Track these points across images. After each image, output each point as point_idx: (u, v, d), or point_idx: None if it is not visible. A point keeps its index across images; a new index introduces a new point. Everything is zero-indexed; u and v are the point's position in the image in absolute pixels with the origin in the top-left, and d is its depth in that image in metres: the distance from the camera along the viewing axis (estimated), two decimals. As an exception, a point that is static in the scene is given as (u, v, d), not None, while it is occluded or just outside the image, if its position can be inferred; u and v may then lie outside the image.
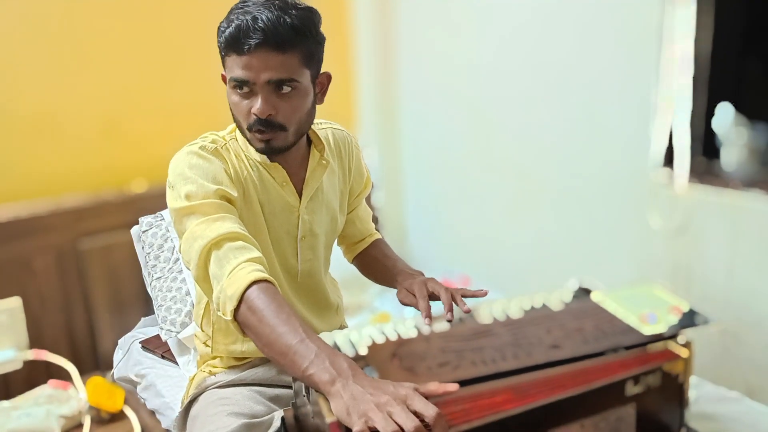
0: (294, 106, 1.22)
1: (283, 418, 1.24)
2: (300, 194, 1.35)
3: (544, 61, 2.08)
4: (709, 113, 1.71)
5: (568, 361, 1.01)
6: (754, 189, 1.59)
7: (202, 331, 1.46)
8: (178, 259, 2.02)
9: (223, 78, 1.32)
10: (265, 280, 1.07)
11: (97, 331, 2.12)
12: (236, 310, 1.06)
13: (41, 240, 2.01)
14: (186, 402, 1.41)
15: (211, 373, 1.43)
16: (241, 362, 1.43)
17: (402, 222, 2.77)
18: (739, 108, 1.69)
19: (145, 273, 2.05)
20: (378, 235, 1.62)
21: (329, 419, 0.90)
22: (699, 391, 1.53)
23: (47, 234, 2.01)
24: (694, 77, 1.69)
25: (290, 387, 1.41)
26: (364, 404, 0.86)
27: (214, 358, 1.46)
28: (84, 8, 2.09)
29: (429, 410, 0.84)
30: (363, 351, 1.07)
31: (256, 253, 1.13)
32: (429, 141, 2.60)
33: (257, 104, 1.19)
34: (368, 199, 1.94)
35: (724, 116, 1.70)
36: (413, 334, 1.13)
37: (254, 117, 1.21)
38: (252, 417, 1.29)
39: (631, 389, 1.00)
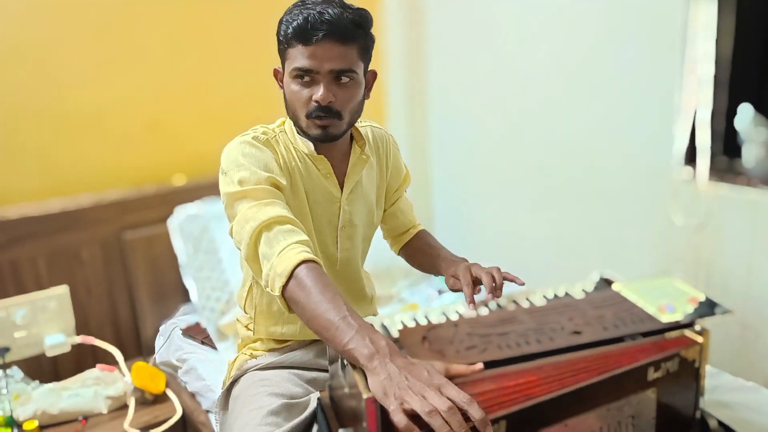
0: (350, 95, 1.32)
1: (319, 399, 1.33)
2: (341, 186, 1.43)
3: (569, 60, 2.11)
4: (730, 113, 1.74)
5: (588, 345, 1.07)
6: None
7: (245, 313, 1.54)
8: (217, 250, 2.11)
9: (276, 73, 1.41)
10: (313, 261, 1.14)
11: (140, 318, 2.21)
12: (285, 286, 1.12)
13: (88, 232, 2.10)
14: (228, 383, 1.49)
15: (252, 356, 1.52)
16: (280, 345, 1.51)
17: (429, 217, 2.82)
18: (760, 108, 1.71)
19: (182, 263, 2.15)
20: (421, 227, 1.70)
21: (366, 395, 0.97)
22: (717, 380, 1.57)
23: (93, 226, 2.10)
24: (715, 77, 1.72)
25: (326, 371, 1.49)
26: (399, 386, 0.92)
27: (255, 341, 1.54)
28: (129, 13, 2.18)
29: (461, 397, 0.89)
30: (395, 334, 1.14)
31: (304, 236, 1.20)
32: (456, 138, 2.65)
33: (319, 92, 1.27)
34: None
35: (746, 115, 1.72)
36: (442, 319, 1.20)
37: (315, 104, 1.29)
38: (290, 398, 1.37)
39: (652, 374, 1.04)
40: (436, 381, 0.92)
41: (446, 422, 0.86)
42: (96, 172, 2.18)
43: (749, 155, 1.71)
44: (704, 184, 1.78)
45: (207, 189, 2.28)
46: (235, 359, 1.57)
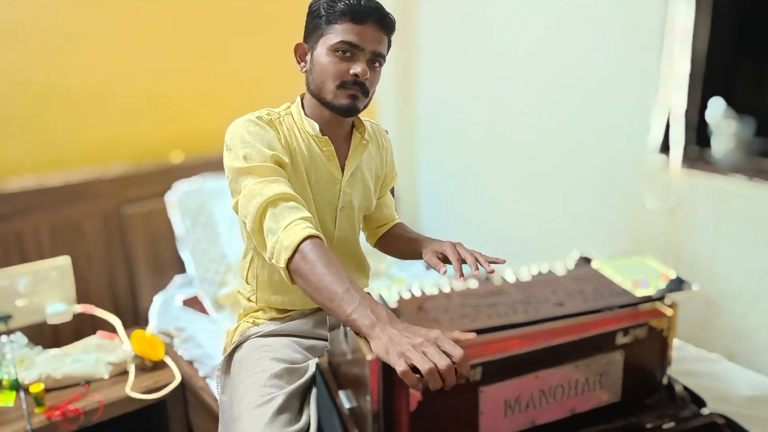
0: (376, 79, 1.41)
1: (318, 365, 1.41)
2: (343, 169, 1.50)
3: (553, 56, 2.19)
4: (703, 106, 1.84)
5: (570, 316, 1.17)
6: (739, 175, 1.73)
7: (247, 283, 1.60)
8: (215, 224, 2.17)
9: (298, 49, 1.46)
10: (317, 236, 1.22)
11: (137, 289, 2.26)
12: (290, 259, 1.19)
13: (89, 205, 2.14)
14: (230, 349, 1.56)
15: (254, 324, 1.58)
16: (281, 314, 1.58)
17: (415, 205, 2.90)
18: (730, 102, 1.81)
19: (179, 236, 2.20)
20: (399, 220, 1.77)
21: (369, 357, 1.06)
22: (683, 352, 1.69)
23: (94, 199, 2.14)
24: (690, 73, 1.82)
25: (324, 339, 1.57)
26: (401, 345, 1.00)
27: (257, 310, 1.60)
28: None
29: (456, 351, 0.98)
30: (393, 305, 1.22)
31: (308, 214, 1.26)
32: (443, 128, 2.71)
33: (359, 67, 1.34)
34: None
35: (716, 109, 1.82)
36: (435, 291, 1.28)
37: (353, 77, 1.36)
38: (291, 363, 1.44)
39: (621, 339, 1.15)
40: (433, 335, 1.00)
41: (442, 380, 0.95)
42: (97, 146, 2.22)
43: (718, 146, 1.82)
44: (676, 172, 1.89)
45: (205, 166, 2.33)
46: (237, 327, 1.63)
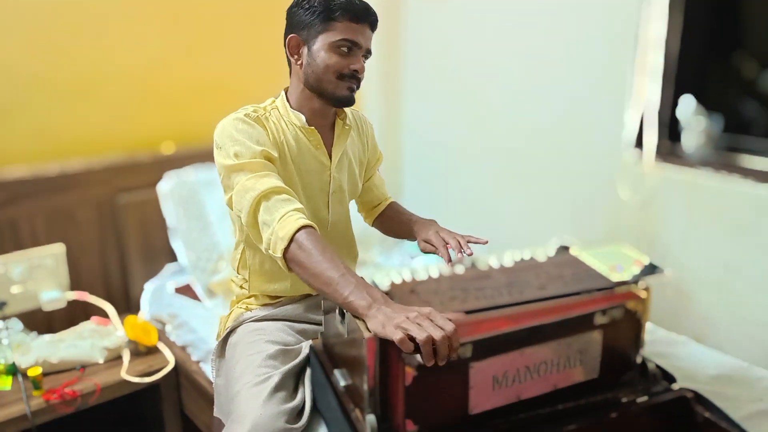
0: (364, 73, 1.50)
1: (312, 346, 1.47)
2: (330, 156, 1.56)
3: (535, 55, 2.26)
4: (675, 103, 1.93)
5: (552, 298, 1.25)
6: (708, 168, 1.82)
7: (238, 274, 1.66)
8: (207, 214, 2.22)
9: (290, 41, 1.51)
10: (311, 226, 1.28)
11: (129, 276, 2.29)
12: (286, 249, 1.26)
13: (83, 194, 2.16)
14: (224, 333, 1.62)
15: (247, 309, 1.63)
16: (273, 300, 1.63)
17: (399, 193, 2.96)
18: (700, 100, 1.91)
19: (170, 226, 2.24)
20: (392, 199, 1.84)
21: (366, 335, 1.12)
22: (655, 335, 1.77)
23: (88, 188, 2.17)
24: (663, 72, 1.91)
25: (315, 323, 1.63)
26: (397, 319, 1.07)
27: (249, 297, 1.65)
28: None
29: (448, 325, 1.05)
30: (385, 288, 1.29)
31: (299, 205, 1.33)
32: (427, 123, 2.78)
33: (358, 63, 1.45)
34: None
35: (687, 106, 1.91)
36: (425, 276, 1.35)
37: (353, 71, 1.45)
38: (285, 345, 1.51)
39: (599, 319, 1.23)
40: (426, 310, 1.07)
41: (436, 350, 1.02)
42: (90, 137, 2.24)
43: (689, 141, 1.91)
44: (649, 166, 1.97)
45: (196, 157, 2.36)
46: (230, 313, 1.68)
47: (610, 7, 1.99)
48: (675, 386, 1.34)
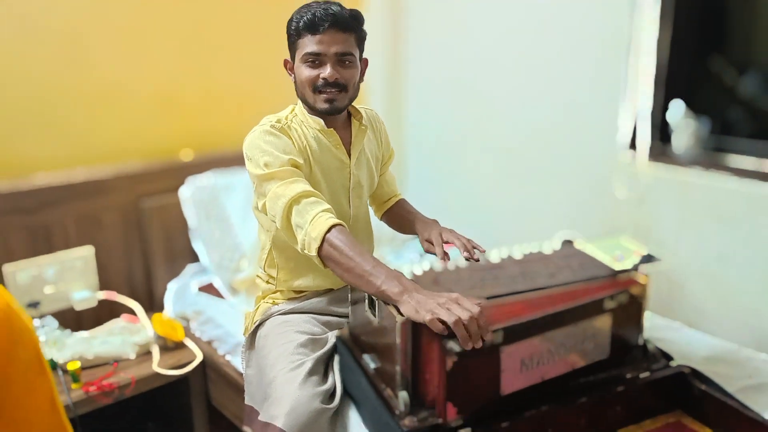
0: (352, 74, 1.57)
1: (338, 336, 1.58)
2: (349, 155, 1.67)
3: (533, 59, 2.38)
4: (665, 107, 2.06)
5: (563, 284, 1.37)
6: (697, 167, 1.95)
7: (265, 272, 1.76)
8: (227, 217, 2.32)
9: (286, 64, 1.64)
10: (340, 224, 1.39)
11: (153, 277, 2.39)
12: (320, 248, 1.37)
13: (109, 199, 2.26)
14: (253, 327, 1.72)
15: (274, 303, 1.74)
16: (298, 295, 1.74)
17: (402, 191, 3.06)
18: (689, 103, 2.04)
19: (192, 228, 2.35)
20: (401, 196, 1.95)
21: (399, 320, 1.23)
22: (651, 322, 1.89)
23: (114, 194, 2.27)
24: (654, 78, 2.04)
25: (337, 315, 1.74)
26: (428, 304, 1.18)
27: (275, 292, 1.76)
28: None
29: (474, 307, 1.16)
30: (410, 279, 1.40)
31: (327, 206, 1.44)
32: (430, 124, 2.89)
33: (327, 71, 1.52)
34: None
35: (677, 110, 2.04)
36: (443, 268, 1.47)
37: (322, 80, 1.53)
38: (312, 335, 1.62)
39: (608, 304, 1.35)
40: (454, 296, 1.18)
41: (467, 330, 1.13)
42: (115, 144, 2.34)
43: (679, 142, 2.04)
44: (643, 166, 2.10)
45: (213, 163, 2.47)
46: (257, 308, 1.78)
47: (605, 15, 2.12)
48: (673, 364, 1.47)
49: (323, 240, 1.37)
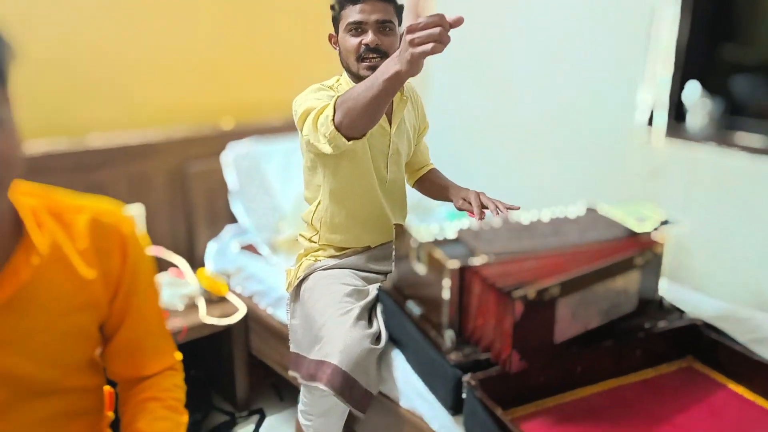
0: (391, 41, 1.69)
1: (380, 287, 1.72)
2: (390, 123, 1.79)
3: (556, 40, 2.49)
4: (681, 87, 2.19)
5: (593, 242, 1.50)
6: (710, 143, 2.08)
7: (311, 226, 1.87)
8: (268, 182, 2.46)
9: (330, 38, 1.75)
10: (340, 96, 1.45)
11: (194, 236, 2.53)
12: (333, 118, 1.44)
13: (158, 161, 2.40)
14: (297, 281, 1.84)
15: (316, 260, 1.87)
16: (339, 252, 1.87)
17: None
18: (704, 84, 2.16)
19: (232, 191, 2.48)
20: (433, 165, 2.08)
21: (450, 266, 1.36)
22: (663, 284, 2.04)
23: (162, 157, 2.40)
24: (673, 59, 2.16)
25: (374, 272, 1.87)
26: (402, 50, 1.25)
27: (317, 249, 1.89)
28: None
29: (435, 18, 1.21)
30: (452, 236, 1.54)
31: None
32: (452, 103, 3.01)
33: (368, 36, 1.64)
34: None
35: (693, 90, 2.17)
36: (479, 227, 1.60)
37: (364, 46, 1.65)
38: (355, 286, 1.75)
39: (637, 261, 1.48)
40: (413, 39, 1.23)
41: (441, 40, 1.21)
42: (163, 109, 2.48)
43: (694, 121, 2.17)
44: (658, 143, 2.23)
45: (255, 131, 2.61)
46: (299, 265, 1.90)
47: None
48: (685, 317, 1.61)
49: (334, 109, 1.44)
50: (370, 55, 1.66)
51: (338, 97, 1.45)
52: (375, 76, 1.34)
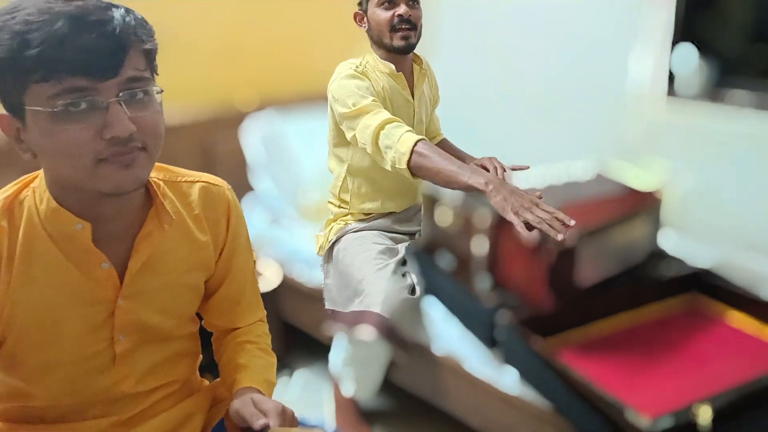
0: (418, 14, 1.77)
1: (409, 245, 1.87)
2: (413, 95, 1.91)
3: (558, 13, 2.62)
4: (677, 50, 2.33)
5: (605, 194, 1.66)
6: (703, 103, 2.24)
7: (338, 198, 2.01)
8: (290, 151, 2.59)
9: (356, 16, 1.85)
10: (423, 139, 1.56)
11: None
12: (409, 160, 1.59)
13: (184, 135, 2.52)
14: (329, 243, 1.97)
15: (346, 224, 2.00)
16: (366, 216, 2.00)
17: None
18: (698, 45, 2.30)
19: (251, 161, 2.60)
20: (444, 136, 2.21)
21: (486, 219, 1.51)
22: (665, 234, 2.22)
23: (188, 131, 2.53)
24: (668, 23, 2.28)
25: (400, 233, 2.01)
26: (514, 204, 1.28)
27: (347, 215, 2.03)
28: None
29: (554, 210, 1.39)
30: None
31: (409, 128, 1.66)
32: (456, 73, 3.13)
33: (401, 8, 1.73)
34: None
35: (684, 54, 2.32)
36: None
37: (398, 18, 1.75)
38: (386, 245, 1.89)
39: (645, 213, 1.65)
40: (535, 200, 1.37)
41: (551, 228, 1.39)
42: (188, 86, 2.57)
43: (686, 83, 2.32)
44: (655, 104, 2.38)
45: (274, 104, 2.73)
46: (329, 229, 2.03)
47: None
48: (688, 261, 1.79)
49: (412, 152, 1.59)
50: (403, 26, 1.76)
51: (420, 141, 1.42)
52: (462, 172, 1.33)
